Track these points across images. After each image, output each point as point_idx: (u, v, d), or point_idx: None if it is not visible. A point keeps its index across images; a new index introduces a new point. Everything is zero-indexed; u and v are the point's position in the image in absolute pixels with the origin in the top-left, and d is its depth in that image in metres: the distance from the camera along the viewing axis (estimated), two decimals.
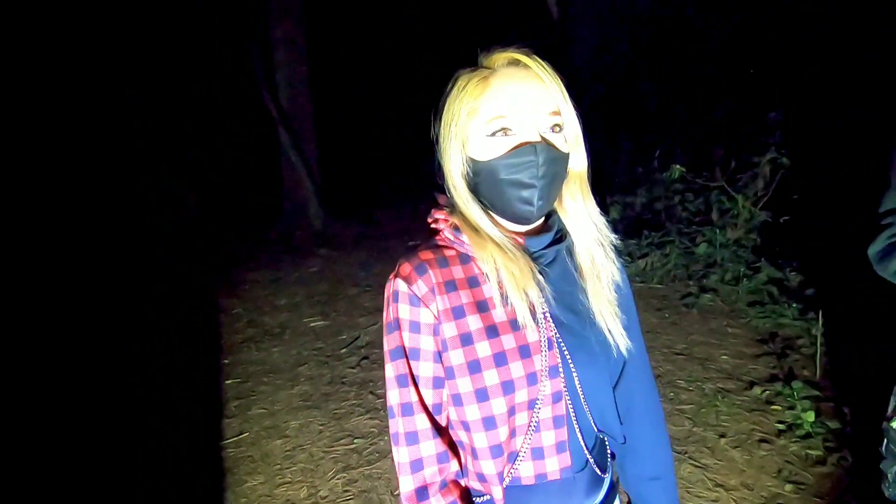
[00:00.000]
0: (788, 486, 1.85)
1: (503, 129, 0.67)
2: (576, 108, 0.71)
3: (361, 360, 2.96)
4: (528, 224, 0.72)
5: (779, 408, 2.24)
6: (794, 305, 2.87)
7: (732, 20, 4.18)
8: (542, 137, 0.67)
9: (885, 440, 1.05)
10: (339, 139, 6.87)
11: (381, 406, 2.53)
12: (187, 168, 6.36)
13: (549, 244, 0.73)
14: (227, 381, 2.85)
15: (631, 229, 3.94)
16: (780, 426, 2.13)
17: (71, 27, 5.78)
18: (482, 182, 0.70)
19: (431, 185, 0.76)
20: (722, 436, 2.13)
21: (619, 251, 0.79)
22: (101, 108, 6.24)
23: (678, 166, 3.35)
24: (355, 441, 2.30)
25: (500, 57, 0.70)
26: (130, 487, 2.12)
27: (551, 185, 0.69)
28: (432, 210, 0.76)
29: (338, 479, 2.09)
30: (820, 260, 3.16)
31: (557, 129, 0.68)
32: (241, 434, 2.41)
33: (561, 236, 0.75)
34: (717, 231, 3.44)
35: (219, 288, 4.14)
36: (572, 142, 0.71)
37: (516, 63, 0.69)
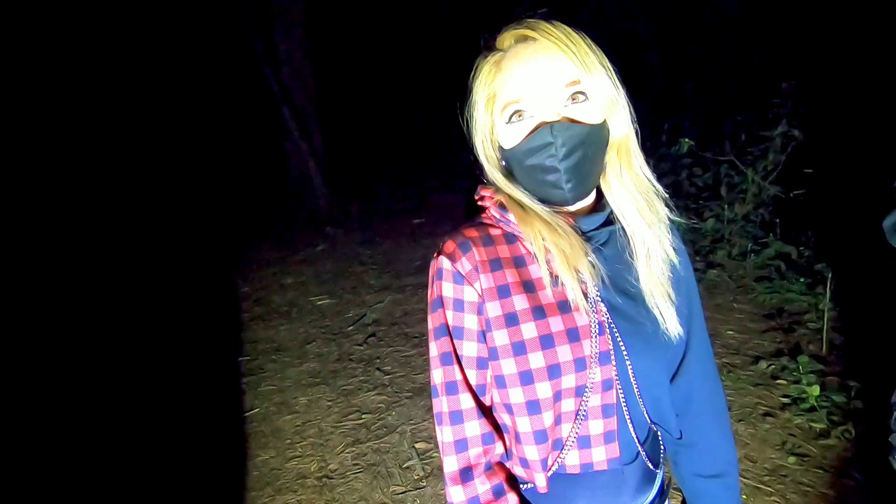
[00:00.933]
0: (792, 459, 1.87)
1: (517, 112, 0.64)
2: (613, 68, 0.64)
3: (368, 337, 2.99)
4: (568, 206, 0.67)
5: (784, 382, 2.25)
6: (802, 280, 2.85)
7: None
8: (561, 115, 0.63)
9: (894, 413, 1.04)
10: (343, 116, 6.80)
11: (388, 382, 2.57)
12: (190, 149, 6.35)
13: (601, 224, 0.69)
14: (237, 359, 2.89)
15: None
16: (785, 400, 2.14)
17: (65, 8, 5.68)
18: (514, 169, 0.67)
19: (472, 165, 0.72)
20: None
21: (676, 227, 0.72)
22: (100, 88, 6.18)
23: (687, 140, 3.29)
24: (363, 416, 2.34)
25: (508, 36, 0.66)
26: (146, 464, 2.18)
27: (581, 164, 0.63)
28: (478, 187, 0.73)
29: (347, 452, 2.14)
30: (830, 234, 3.13)
31: (581, 97, 0.63)
32: (252, 410, 2.46)
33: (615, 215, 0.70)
34: (726, 206, 3.40)
35: (226, 268, 4.17)
36: (606, 107, 0.64)
37: (525, 39, 0.65)
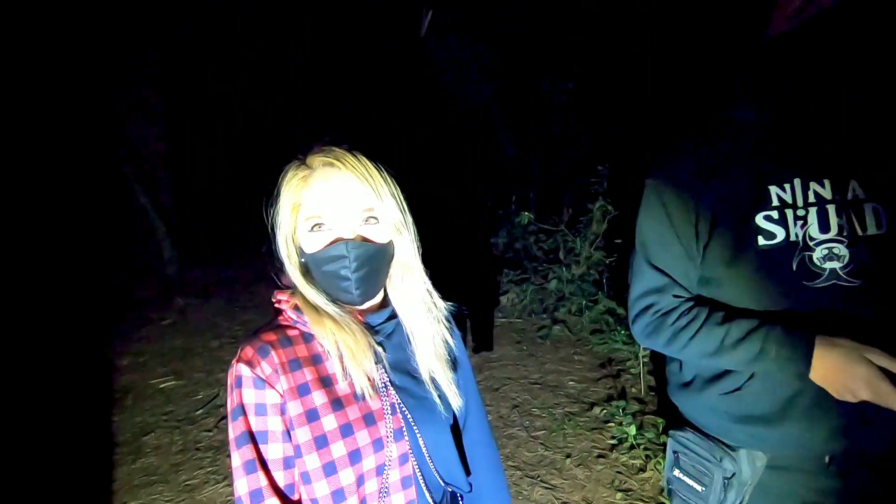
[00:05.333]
0: (619, 495, 2.12)
1: (318, 225, 0.74)
2: (401, 197, 0.77)
3: (220, 420, 2.73)
4: (358, 306, 0.78)
5: (612, 424, 2.57)
6: (624, 332, 3.34)
7: (568, 86, 4.90)
8: (356, 234, 0.74)
9: (670, 490, 1.00)
10: (198, 175, 6.41)
11: None
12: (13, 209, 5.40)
13: (386, 319, 0.80)
14: (52, 461, 2.42)
15: (494, 268, 4.29)
16: (613, 441, 2.44)
17: None
18: (311, 270, 0.76)
19: (274, 267, 0.79)
20: (568, 456, 2.37)
21: (450, 318, 0.87)
22: None
23: (526, 213, 3.76)
24: None
25: (318, 159, 0.75)
26: None
27: (369, 276, 0.75)
28: (275, 291, 0.80)
29: None
30: None
31: (373, 220, 0.75)
32: None
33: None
34: (564, 268, 3.90)
35: (43, 351, 3.53)
36: (391, 231, 0.77)
37: (331, 164, 0.75)
